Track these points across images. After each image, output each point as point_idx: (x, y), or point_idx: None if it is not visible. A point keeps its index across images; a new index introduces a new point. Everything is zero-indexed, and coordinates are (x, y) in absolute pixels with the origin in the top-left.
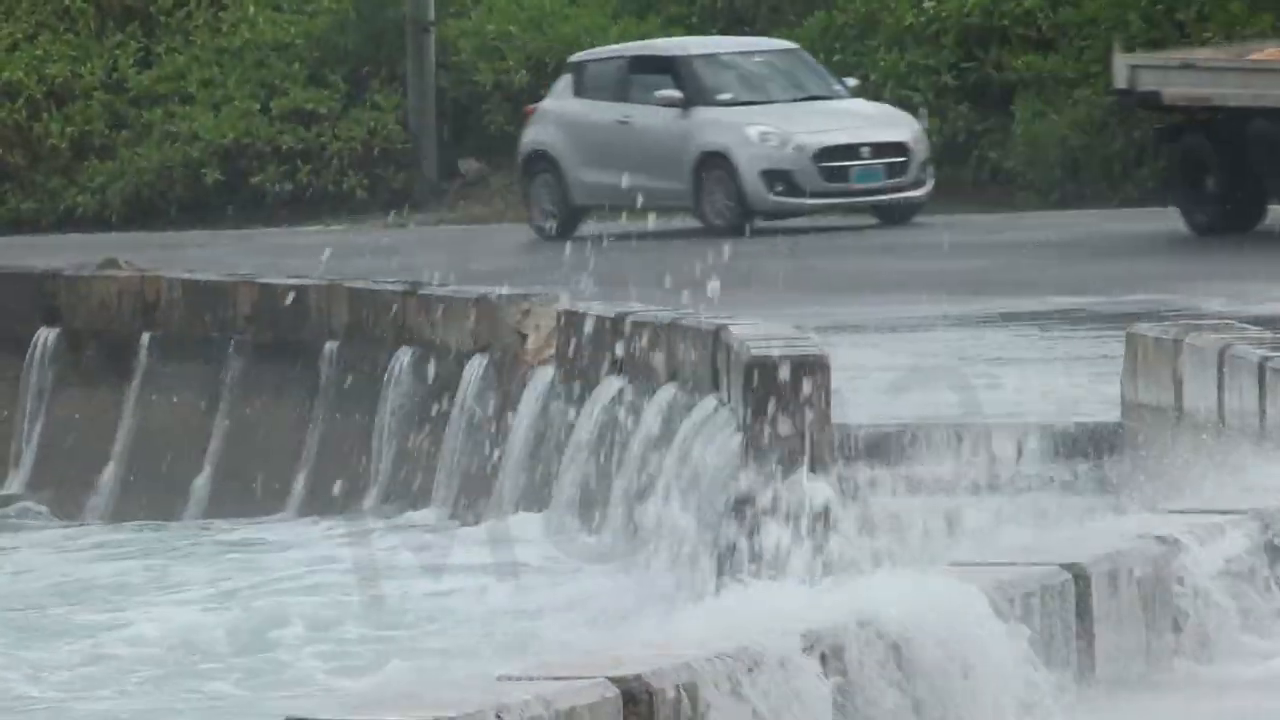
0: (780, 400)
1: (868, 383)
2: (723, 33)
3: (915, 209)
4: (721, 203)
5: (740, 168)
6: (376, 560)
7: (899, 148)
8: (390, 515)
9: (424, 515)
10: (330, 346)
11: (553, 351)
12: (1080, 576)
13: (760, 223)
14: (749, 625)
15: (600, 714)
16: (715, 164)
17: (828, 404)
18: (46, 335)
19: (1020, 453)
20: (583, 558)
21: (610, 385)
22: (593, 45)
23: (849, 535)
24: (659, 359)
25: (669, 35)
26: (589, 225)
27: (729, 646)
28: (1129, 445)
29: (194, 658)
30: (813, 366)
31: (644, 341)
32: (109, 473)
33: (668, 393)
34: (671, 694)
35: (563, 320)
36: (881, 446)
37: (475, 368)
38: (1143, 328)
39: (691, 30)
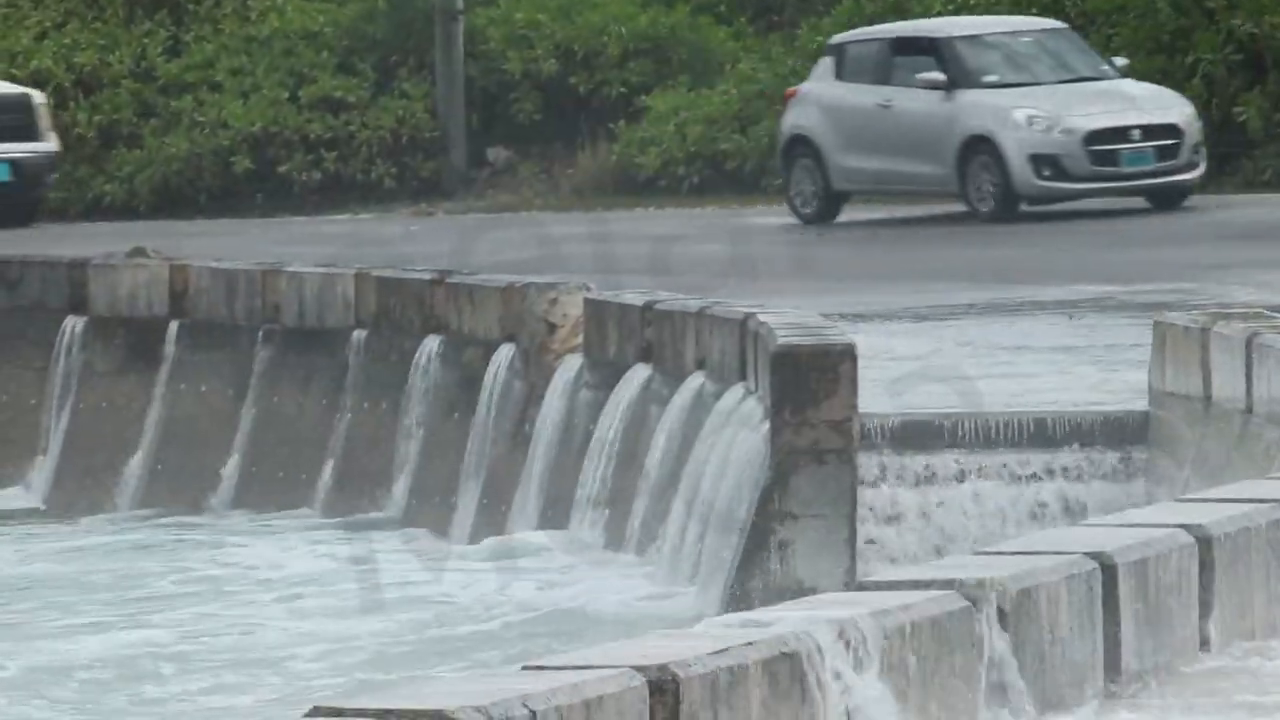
0: (807, 389)
1: (887, 372)
2: (750, 21)
3: (1187, 192)
4: (987, 188)
5: (1006, 152)
6: (379, 561)
7: (1171, 130)
8: (419, 509)
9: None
10: (358, 335)
11: (580, 340)
12: (1107, 566)
13: (1026, 208)
14: (778, 619)
15: (626, 703)
16: (980, 148)
17: (854, 392)
18: (75, 324)
19: (1047, 441)
20: (607, 548)
21: (638, 374)
22: (621, 33)
23: (876, 525)
24: (687, 347)
25: (696, 22)
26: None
27: (757, 636)
28: (1156, 434)
29: (196, 659)
30: (840, 355)
31: (672, 330)
32: (136, 461)
33: (696, 381)
34: (698, 683)
35: (590, 309)
36: (908, 435)
37: (502, 356)
38: (1171, 316)
39: (719, 18)
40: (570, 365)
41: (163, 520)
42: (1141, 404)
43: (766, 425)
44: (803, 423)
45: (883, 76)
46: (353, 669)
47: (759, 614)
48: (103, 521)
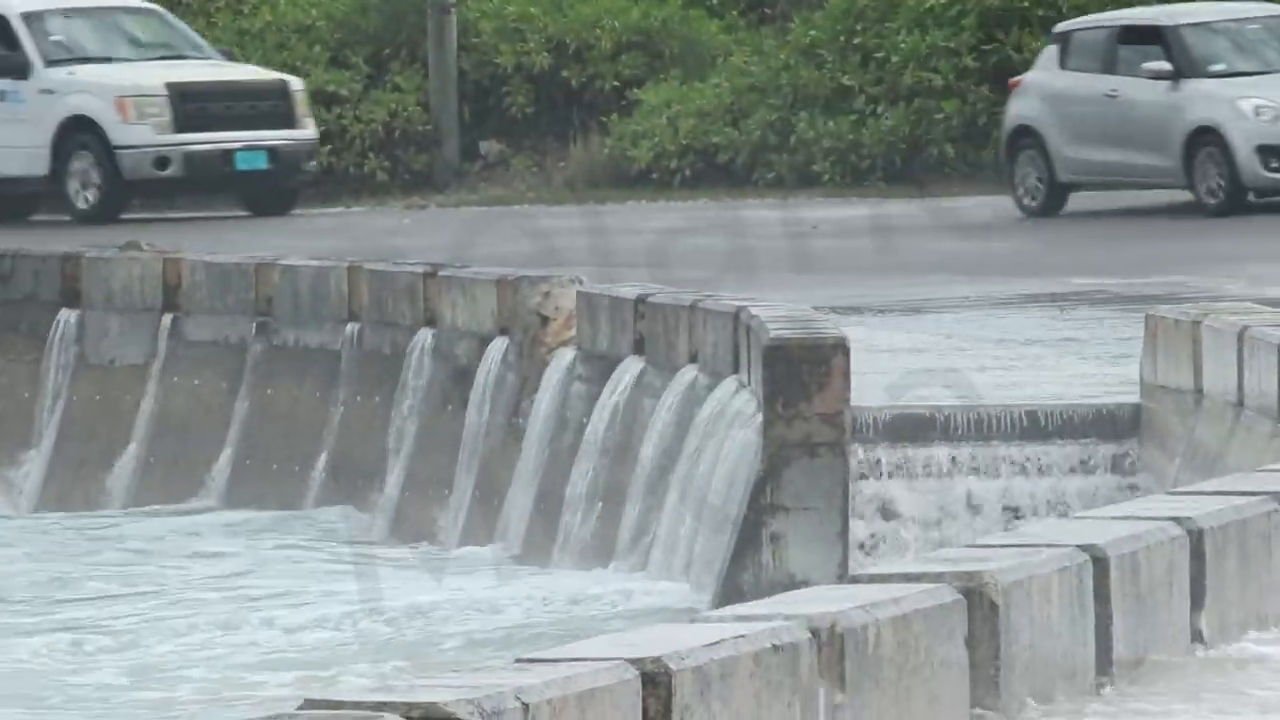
0: (799, 382)
1: (879, 364)
2: (741, 14)
3: None
4: (1214, 180)
5: (1233, 143)
6: (369, 560)
7: None
8: (412, 502)
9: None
10: (351, 328)
11: (573, 333)
12: (1099, 559)
13: (1254, 199)
14: (770, 612)
15: (619, 696)
16: (1207, 139)
17: (847, 385)
18: (68, 317)
19: (1038, 435)
20: (600, 541)
21: (631, 367)
22: (613, 27)
23: (869, 520)
24: (680, 340)
25: (688, 16)
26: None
27: (749, 629)
28: (1148, 427)
29: (194, 660)
30: (832, 349)
31: (665, 323)
32: (129, 455)
33: (689, 374)
34: (690, 676)
35: (583, 302)
36: (900, 428)
37: (496, 350)
38: (1162, 310)
39: (711, 11)
40: (563, 358)
41: (147, 515)
42: (1133, 397)
43: (759, 418)
44: (795, 416)
45: (1108, 65)
46: (347, 666)
47: (751, 607)
48: (86, 516)
